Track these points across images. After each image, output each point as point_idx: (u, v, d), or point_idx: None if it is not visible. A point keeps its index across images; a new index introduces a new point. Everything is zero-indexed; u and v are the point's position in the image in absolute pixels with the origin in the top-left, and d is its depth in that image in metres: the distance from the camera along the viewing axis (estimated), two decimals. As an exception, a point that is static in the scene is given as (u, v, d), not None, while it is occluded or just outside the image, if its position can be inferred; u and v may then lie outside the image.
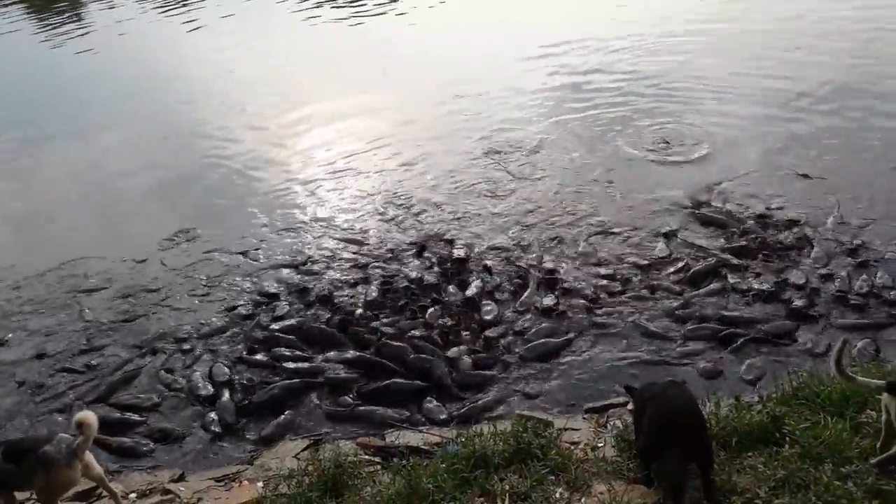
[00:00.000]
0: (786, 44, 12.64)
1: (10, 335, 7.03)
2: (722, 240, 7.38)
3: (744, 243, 7.20)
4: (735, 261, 6.95)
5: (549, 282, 6.92)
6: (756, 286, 6.57)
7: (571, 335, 6.16)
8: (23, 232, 9.31)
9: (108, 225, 9.25)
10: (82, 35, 18.53)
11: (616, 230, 7.75)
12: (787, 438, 4.05)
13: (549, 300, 6.63)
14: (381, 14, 17.55)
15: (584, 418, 5.14)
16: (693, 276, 6.83)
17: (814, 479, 3.71)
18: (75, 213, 9.57)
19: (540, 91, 11.87)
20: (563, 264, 7.21)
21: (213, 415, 5.68)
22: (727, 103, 10.67)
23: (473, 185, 9.09)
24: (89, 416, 4.10)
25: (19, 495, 4.34)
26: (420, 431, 5.11)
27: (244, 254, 8.06)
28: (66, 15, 20.37)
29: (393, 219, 8.47)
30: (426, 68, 13.67)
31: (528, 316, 6.52)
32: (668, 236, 7.53)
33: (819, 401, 4.34)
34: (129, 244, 8.49)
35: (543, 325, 6.33)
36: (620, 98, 11.21)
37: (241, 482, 4.66)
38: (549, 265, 7.16)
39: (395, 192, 9.10)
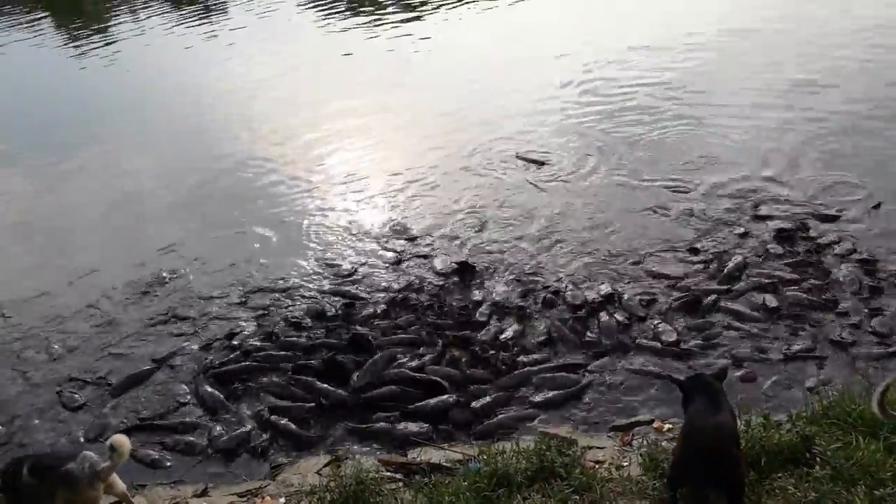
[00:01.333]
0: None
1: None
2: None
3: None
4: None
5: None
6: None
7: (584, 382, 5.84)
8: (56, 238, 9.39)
9: (134, 234, 9.30)
10: (107, 46, 18.90)
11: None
12: (818, 459, 3.95)
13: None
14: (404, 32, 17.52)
15: (608, 436, 5.07)
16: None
17: (846, 502, 3.62)
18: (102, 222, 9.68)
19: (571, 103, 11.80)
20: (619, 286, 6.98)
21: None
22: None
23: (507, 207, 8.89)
24: (123, 441, 4.12)
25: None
26: (442, 448, 5.06)
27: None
28: (91, 28, 20.74)
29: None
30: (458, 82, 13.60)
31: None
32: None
33: (851, 420, 4.24)
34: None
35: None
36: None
37: (263, 497, 4.66)
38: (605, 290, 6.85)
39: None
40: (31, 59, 19.02)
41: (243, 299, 7.47)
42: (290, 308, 7.25)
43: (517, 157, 10.07)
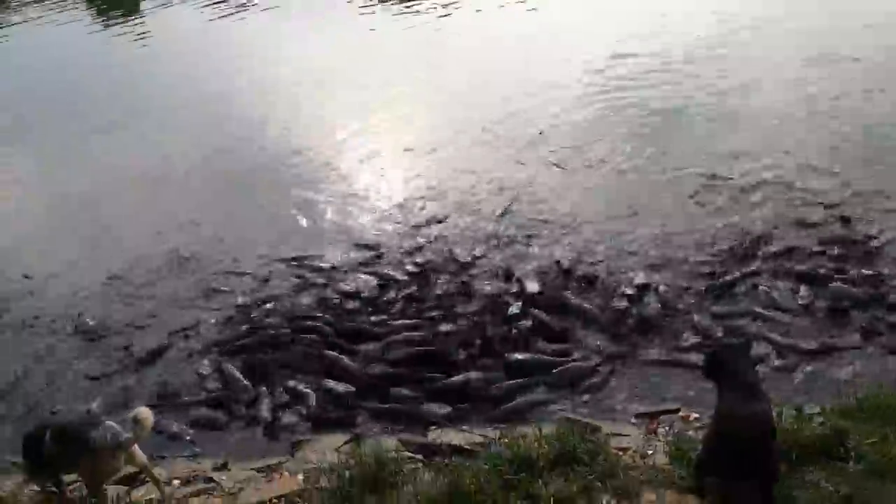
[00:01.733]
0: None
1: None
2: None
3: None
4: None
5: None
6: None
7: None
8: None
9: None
10: (139, 28, 18.91)
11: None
12: (852, 454, 3.83)
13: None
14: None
15: (633, 424, 4.97)
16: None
17: (880, 499, 3.50)
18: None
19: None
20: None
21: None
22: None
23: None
24: (147, 414, 4.13)
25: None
26: (463, 430, 5.01)
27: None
28: (125, 12, 20.79)
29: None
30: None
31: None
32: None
33: (886, 413, 4.10)
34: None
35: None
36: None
37: (281, 473, 4.64)
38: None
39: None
40: (73, 37, 19.03)
41: (266, 278, 7.50)
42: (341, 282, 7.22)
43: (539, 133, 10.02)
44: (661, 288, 6.56)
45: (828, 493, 3.60)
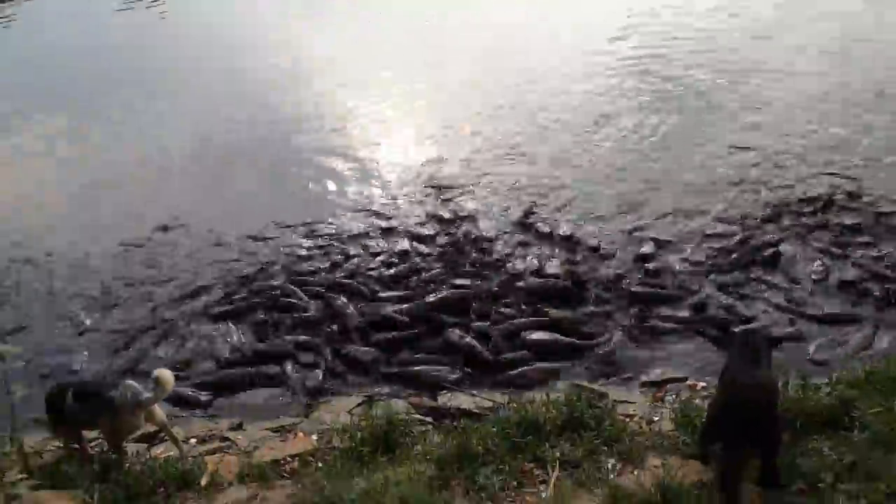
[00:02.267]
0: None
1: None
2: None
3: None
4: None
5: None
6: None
7: None
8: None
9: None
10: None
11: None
12: (857, 423, 3.85)
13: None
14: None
15: (640, 392, 5.03)
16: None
17: (885, 468, 3.53)
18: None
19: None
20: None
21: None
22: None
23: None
24: (167, 375, 4.23)
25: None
26: (473, 395, 5.10)
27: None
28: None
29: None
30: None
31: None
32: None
33: (893, 386, 4.11)
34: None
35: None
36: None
37: (296, 434, 4.76)
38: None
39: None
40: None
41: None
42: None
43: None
44: (676, 259, 6.67)
45: (831, 462, 3.63)
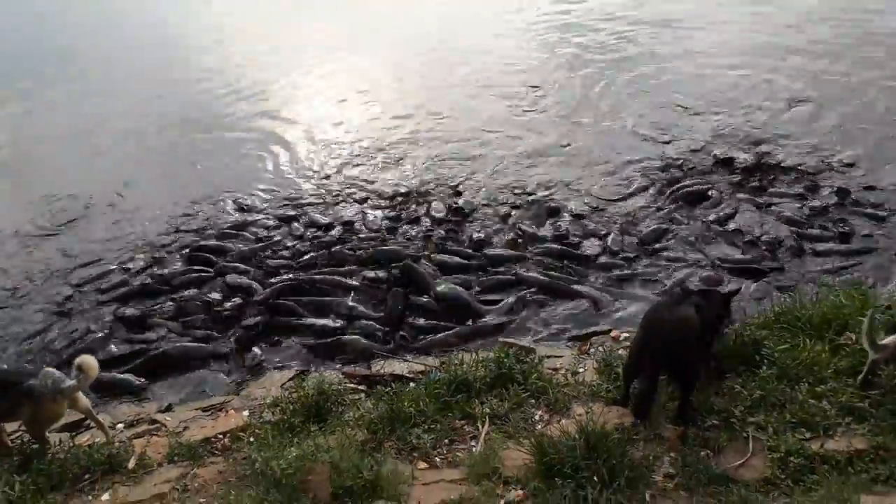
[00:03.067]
0: None
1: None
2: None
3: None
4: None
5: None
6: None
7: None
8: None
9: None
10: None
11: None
12: (766, 360, 4.07)
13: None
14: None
15: (567, 346, 5.17)
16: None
17: (789, 398, 3.75)
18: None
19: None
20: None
21: None
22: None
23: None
24: (91, 362, 4.09)
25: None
26: (406, 360, 5.15)
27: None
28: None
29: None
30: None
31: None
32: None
33: (800, 324, 4.35)
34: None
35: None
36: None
37: (227, 411, 4.70)
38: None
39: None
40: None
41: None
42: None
43: None
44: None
45: (742, 397, 3.84)
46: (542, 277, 6.11)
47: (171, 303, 6.38)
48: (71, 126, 10.25)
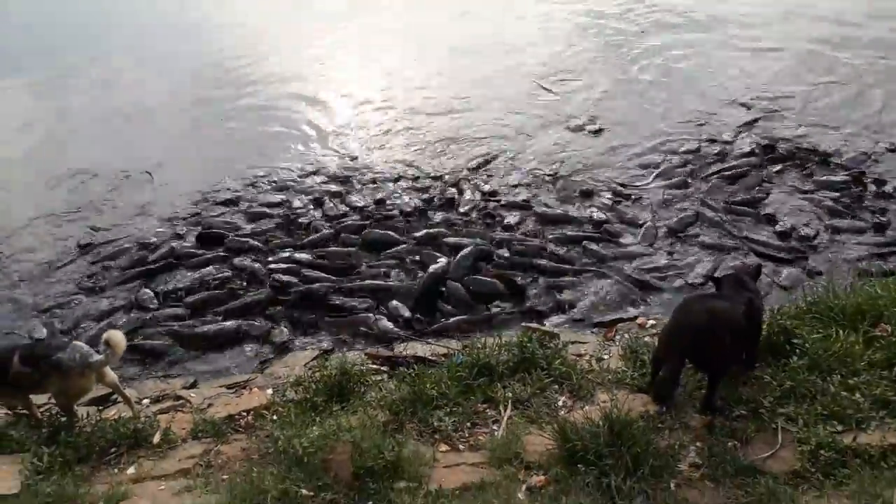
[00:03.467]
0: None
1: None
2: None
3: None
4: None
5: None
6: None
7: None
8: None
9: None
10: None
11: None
12: (797, 350, 3.97)
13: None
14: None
15: (592, 332, 5.11)
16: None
17: (821, 390, 3.66)
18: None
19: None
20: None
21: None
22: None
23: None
24: (118, 338, 4.14)
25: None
26: (428, 343, 5.13)
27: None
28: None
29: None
30: None
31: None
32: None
33: (832, 315, 4.24)
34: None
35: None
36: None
37: (251, 389, 4.74)
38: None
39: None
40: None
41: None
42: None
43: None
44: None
45: (771, 387, 3.75)
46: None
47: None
48: (106, 108, 10.35)
